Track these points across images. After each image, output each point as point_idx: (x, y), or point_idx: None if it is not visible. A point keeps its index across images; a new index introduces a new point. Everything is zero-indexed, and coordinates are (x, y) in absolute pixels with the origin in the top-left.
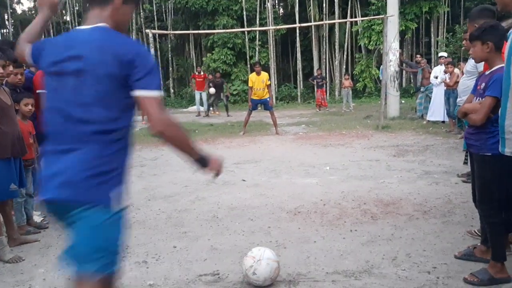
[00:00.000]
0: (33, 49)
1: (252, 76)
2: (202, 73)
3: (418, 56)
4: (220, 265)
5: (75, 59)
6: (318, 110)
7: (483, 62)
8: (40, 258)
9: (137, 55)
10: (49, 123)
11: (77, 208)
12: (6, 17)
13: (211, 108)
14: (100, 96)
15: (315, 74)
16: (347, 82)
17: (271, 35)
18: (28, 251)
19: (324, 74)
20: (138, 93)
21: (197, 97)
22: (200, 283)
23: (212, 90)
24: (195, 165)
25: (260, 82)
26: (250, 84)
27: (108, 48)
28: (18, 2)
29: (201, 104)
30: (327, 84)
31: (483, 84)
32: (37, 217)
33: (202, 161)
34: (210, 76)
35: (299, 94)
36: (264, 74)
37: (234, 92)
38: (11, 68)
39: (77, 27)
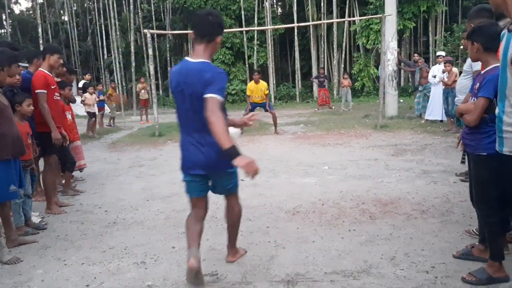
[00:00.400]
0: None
1: (251, 85)
2: None
3: (416, 55)
4: (219, 265)
5: (188, 85)
6: (317, 110)
7: (479, 62)
8: (38, 259)
9: (213, 76)
10: (184, 124)
11: (221, 172)
12: (3, 17)
13: None
14: (202, 107)
15: (318, 73)
16: (346, 82)
17: (269, 34)
18: (26, 252)
19: None
20: (206, 95)
21: None
22: None
23: None
24: (226, 155)
25: (258, 91)
26: (248, 93)
27: (201, 76)
28: (16, 2)
29: None
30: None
31: (478, 84)
32: (35, 218)
33: (231, 154)
34: None
35: (297, 93)
36: (262, 83)
37: (233, 92)
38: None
39: (188, 59)
